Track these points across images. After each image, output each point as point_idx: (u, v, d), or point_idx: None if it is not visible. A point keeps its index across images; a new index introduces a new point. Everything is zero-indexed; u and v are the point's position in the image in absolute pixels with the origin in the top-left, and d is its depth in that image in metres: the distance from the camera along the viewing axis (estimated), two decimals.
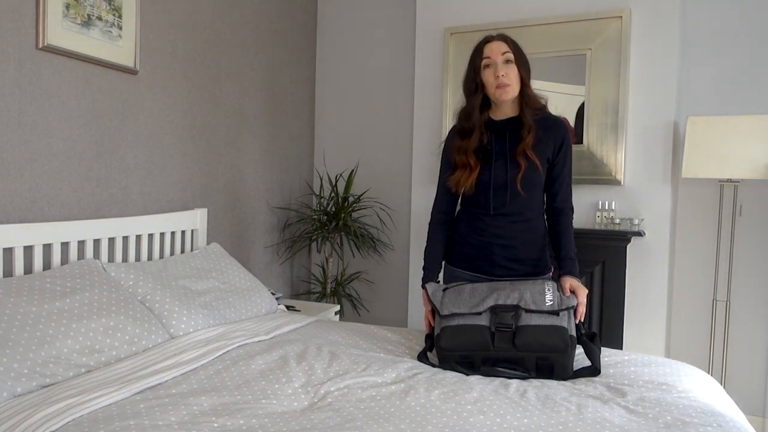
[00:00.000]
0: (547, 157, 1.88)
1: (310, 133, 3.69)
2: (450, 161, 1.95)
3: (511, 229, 1.90)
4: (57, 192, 2.03)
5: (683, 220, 2.92)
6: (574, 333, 1.68)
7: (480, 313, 1.71)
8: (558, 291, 1.76)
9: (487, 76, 1.83)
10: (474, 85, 1.86)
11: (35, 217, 1.95)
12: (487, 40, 1.85)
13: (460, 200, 2.01)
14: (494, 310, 1.71)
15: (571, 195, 1.94)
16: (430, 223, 2.05)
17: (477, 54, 1.85)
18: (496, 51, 1.80)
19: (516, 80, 1.81)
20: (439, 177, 2.04)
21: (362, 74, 3.58)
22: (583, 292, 1.77)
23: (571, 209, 1.94)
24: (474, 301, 1.75)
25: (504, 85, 1.80)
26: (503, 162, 1.86)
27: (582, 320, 1.77)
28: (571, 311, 1.72)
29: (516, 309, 1.69)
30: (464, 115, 1.91)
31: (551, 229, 1.94)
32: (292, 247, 3.40)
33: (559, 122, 1.91)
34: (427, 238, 2.04)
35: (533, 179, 1.86)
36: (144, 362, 1.67)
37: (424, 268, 2.00)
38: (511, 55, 1.80)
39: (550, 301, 1.69)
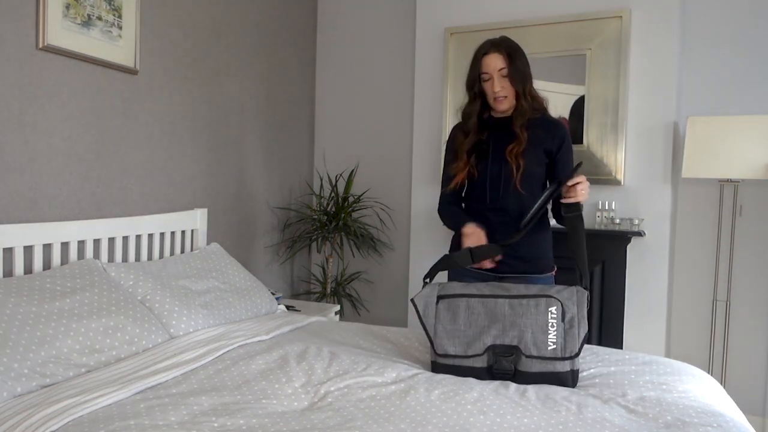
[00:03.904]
0: (547, 151, 1.94)
1: (310, 133, 3.69)
2: (454, 152, 2.02)
3: (514, 226, 1.91)
4: (57, 192, 2.03)
5: (683, 220, 2.92)
6: (576, 352, 1.60)
7: (476, 355, 1.65)
8: (564, 310, 1.63)
9: (486, 87, 1.93)
10: (473, 94, 1.97)
11: (35, 217, 1.95)
12: (485, 52, 1.91)
13: (464, 196, 2.07)
14: (492, 349, 1.64)
15: None
16: (438, 210, 2.09)
17: (476, 64, 1.93)
18: (493, 66, 1.89)
19: (512, 92, 1.91)
20: (443, 171, 2.08)
21: (362, 74, 3.57)
22: (581, 176, 1.74)
23: None
24: (470, 334, 1.65)
25: (501, 98, 1.91)
26: (500, 157, 1.93)
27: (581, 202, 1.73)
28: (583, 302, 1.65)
29: (515, 351, 1.62)
30: (465, 117, 2.01)
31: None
32: (292, 247, 3.40)
33: (556, 122, 1.99)
34: (443, 217, 2.07)
35: (531, 176, 1.92)
36: (144, 362, 1.67)
37: (455, 223, 2.00)
38: (506, 70, 1.88)
39: (553, 343, 1.59)
